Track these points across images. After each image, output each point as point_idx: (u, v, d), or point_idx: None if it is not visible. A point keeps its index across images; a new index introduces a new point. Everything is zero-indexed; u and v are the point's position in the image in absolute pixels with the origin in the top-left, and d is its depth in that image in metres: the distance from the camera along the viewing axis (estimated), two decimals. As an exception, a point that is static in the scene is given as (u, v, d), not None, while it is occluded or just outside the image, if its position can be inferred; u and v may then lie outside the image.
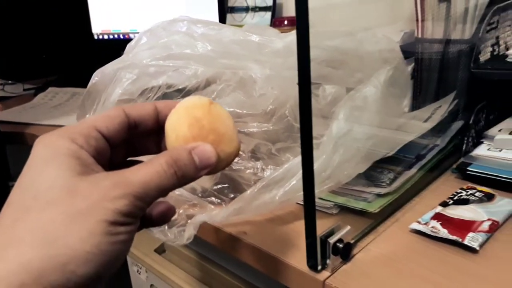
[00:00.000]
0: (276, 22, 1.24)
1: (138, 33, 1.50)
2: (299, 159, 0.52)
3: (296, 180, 0.51)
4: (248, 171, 0.56)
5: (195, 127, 0.33)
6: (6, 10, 1.46)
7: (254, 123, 0.52)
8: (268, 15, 1.30)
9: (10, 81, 1.44)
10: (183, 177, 0.31)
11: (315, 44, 0.49)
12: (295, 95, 0.53)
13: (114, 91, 0.49)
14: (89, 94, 0.53)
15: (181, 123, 0.33)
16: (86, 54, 1.58)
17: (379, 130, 0.55)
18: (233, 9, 1.37)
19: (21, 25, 1.50)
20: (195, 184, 0.58)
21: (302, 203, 0.46)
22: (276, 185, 0.51)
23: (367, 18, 1.00)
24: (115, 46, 1.60)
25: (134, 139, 0.36)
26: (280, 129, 0.53)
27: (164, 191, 0.31)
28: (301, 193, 0.49)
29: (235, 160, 0.56)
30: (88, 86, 0.53)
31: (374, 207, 0.55)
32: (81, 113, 0.52)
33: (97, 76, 0.53)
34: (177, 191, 0.56)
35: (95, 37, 1.55)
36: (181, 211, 0.55)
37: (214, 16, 1.37)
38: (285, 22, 1.22)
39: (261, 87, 0.51)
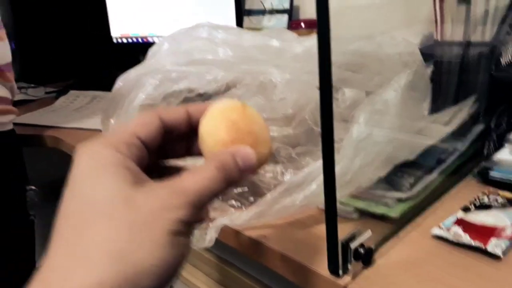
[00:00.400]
0: (293, 24, 1.25)
1: (156, 37, 1.52)
2: (319, 163, 0.52)
3: (317, 184, 0.51)
4: (268, 175, 0.56)
5: (232, 130, 0.33)
6: (28, 14, 1.49)
7: (274, 127, 0.52)
8: (285, 17, 1.30)
9: (32, 85, 1.46)
10: (230, 181, 0.31)
11: (334, 48, 0.49)
12: (315, 99, 0.54)
13: (138, 96, 0.50)
14: (112, 99, 0.53)
15: (218, 127, 0.33)
16: (105, 57, 1.60)
17: (399, 133, 0.55)
18: (250, 12, 1.38)
19: (43, 29, 1.53)
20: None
21: (323, 207, 0.46)
22: (297, 189, 0.51)
23: (384, 21, 0.99)
24: (134, 50, 1.62)
25: (165, 144, 0.36)
26: (300, 133, 0.53)
27: (215, 196, 0.31)
28: (322, 197, 0.49)
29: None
30: (112, 91, 0.54)
31: (395, 212, 0.55)
32: (105, 117, 0.53)
33: (121, 82, 0.54)
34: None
35: (114, 40, 1.58)
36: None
37: (231, 18, 1.38)
38: (302, 25, 1.22)
39: (281, 91, 0.51)
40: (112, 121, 0.52)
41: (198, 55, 0.52)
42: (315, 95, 0.54)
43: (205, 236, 0.52)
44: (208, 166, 0.31)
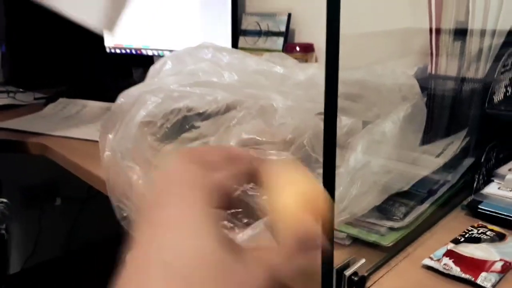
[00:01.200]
0: (288, 47, 1.26)
1: (150, 49, 1.52)
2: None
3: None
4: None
5: (305, 203, 0.32)
6: (21, 18, 1.48)
7: (273, 151, 0.52)
8: (280, 40, 1.32)
9: (21, 89, 1.44)
10: (308, 257, 0.29)
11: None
12: (314, 126, 0.54)
13: (138, 112, 0.50)
14: (112, 114, 0.53)
15: (292, 199, 0.32)
16: (97, 66, 1.59)
17: (395, 164, 0.55)
18: (246, 32, 1.39)
19: (35, 32, 1.52)
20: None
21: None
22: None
23: (380, 50, 1.02)
24: (127, 61, 1.62)
25: None
26: (298, 158, 0.53)
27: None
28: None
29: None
30: (113, 106, 0.54)
31: (387, 240, 0.56)
32: (104, 131, 0.53)
33: (123, 98, 0.54)
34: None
35: (107, 50, 1.57)
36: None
37: (227, 38, 1.39)
38: (297, 48, 1.24)
39: (281, 116, 0.52)
40: (110, 136, 0.51)
41: (203, 77, 0.53)
42: (315, 122, 0.54)
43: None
44: (290, 244, 0.27)
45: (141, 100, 0.51)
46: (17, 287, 1.80)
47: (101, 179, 0.80)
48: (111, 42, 1.57)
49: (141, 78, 0.64)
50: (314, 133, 0.53)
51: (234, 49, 0.59)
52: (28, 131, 1.07)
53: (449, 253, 0.55)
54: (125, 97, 0.53)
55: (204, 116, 0.57)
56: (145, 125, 0.54)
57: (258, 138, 0.52)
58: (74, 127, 1.09)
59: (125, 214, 0.51)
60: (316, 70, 0.55)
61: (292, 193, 0.31)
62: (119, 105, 0.53)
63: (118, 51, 1.57)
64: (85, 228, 1.92)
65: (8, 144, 1.04)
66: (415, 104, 0.56)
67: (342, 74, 0.50)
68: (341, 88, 0.55)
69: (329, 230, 0.46)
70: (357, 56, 1.05)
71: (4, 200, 0.93)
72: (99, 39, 1.56)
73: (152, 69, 0.58)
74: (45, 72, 1.53)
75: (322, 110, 0.49)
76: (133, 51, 1.56)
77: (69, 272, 1.88)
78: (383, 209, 0.61)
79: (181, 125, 0.58)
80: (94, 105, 1.27)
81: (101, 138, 0.53)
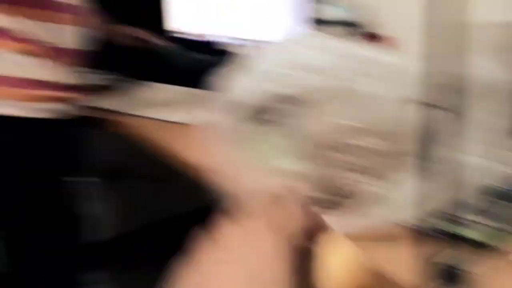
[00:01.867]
0: (366, 39, 1.24)
1: (214, 36, 1.50)
2: (405, 177, 0.52)
3: (401, 199, 0.51)
4: (362, 186, 0.56)
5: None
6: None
7: (374, 139, 0.52)
8: (357, 31, 1.29)
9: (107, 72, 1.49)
10: None
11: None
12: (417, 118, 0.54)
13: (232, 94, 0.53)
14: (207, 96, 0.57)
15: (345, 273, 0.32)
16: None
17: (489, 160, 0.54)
18: (321, 22, 1.37)
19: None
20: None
21: (405, 224, 0.45)
22: (376, 202, 0.51)
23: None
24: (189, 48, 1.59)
25: None
26: (393, 150, 0.53)
27: None
28: (405, 214, 0.49)
29: (347, 175, 0.56)
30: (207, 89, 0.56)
31: (490, 239, 0.54)
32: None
33: (218, 80, 0.57)
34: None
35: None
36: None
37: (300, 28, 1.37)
38: (376, 41, 1.21)
39: (381, 104, 0.52)
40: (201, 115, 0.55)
41: (313, 63, 0.54)
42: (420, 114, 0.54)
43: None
44: None
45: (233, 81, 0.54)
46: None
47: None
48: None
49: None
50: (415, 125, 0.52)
51: (341, 40, 0.60)
52: (119, 111, 1.11)
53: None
54: (221, 79, 0.56)
55: (291, 102, 0.57)
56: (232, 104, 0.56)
57: (355, 124, 0.52)
58: (164, 110, 1.13)
59: (216, 197, 0.53)
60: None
61: (341, 270, 0.30)
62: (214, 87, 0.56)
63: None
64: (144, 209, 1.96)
65: (101, 123, 1.08)
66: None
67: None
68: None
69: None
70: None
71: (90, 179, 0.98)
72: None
73: (249, 57, 0.60)
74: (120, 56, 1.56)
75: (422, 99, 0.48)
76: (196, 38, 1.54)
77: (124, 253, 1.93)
78: (486, 207, 0.59)
79: (271, 111, 0.58)
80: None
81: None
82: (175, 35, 1.55)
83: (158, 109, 1.15)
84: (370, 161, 0.53)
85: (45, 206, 0.95)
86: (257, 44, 0.58)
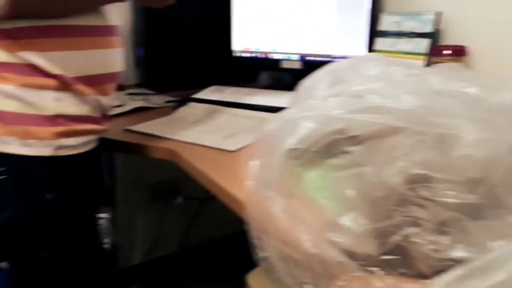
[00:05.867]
0: (436, 50, 1.11)
1: (278, 53, 1.46)
2: (508, 246, 0.40)
3: (507, 274, 0.39)
4: (430, 246, 0.45)
5: None
6: (158, 25, 1.52)
7: (450, 191, 0.41)
8: (424, 42, 1.16)
9: (152, 92, 1.49)
10: None
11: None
12: (511, 163, 0.41)
13: (290, 139, 0.42)
14: (262, 138, 0.47)
15: None
16: (226, 70, 1.59)
17: None
18: (384, 33, 1.26)
19: (169, 38, 1.56)
20: (358, 249, 0.49)
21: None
22: (478, 276, 0.39)
23: None
24: (254, 65, 1.59)
25: None
26: (483, 203, 0.41)
27: None
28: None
29: (415, 231, 0.46)
30: (264, 130, 0.47)
31: None
32: (250, 158, 0.46)
33: (276, 122, 0.47)
34: (337, 257, 0.47)
35: (236, 54, 1.55)
36: (340, 283, 0.45)
37: (363, 39, 1.28)
38: (447, 51, 1.08)
39: (466, 146, 0.40)
40: (257, 162, 0.45)
41: (375, 101, 0.43)
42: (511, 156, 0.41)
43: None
44: None
45: (294, 126, 0.43)
46: (137, 278, 1.89)
47: (223, 189, 0.76)
48: (239, 46, 1.55)
49: (266, 82, 0.57)
50: (510, 171, 0.40)
51: (407, 62, 0.48)
52: (158, 135, 1.07)
53: None
54: (278, 121, 0.46)
55: (357, 140, 0.47)
56: (295, 152, 0.47)
57: (430, 173, 0.41)
58: (202, 133, 1.08)
59: (261, 253, 0.44)
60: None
61: None
62: (270, 130, 0.46)
63: (245, 55, 1.55)
64: (203, 226, 1.95)
65: (137, 148, 1.05)
66: None
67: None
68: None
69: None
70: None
71: (105, 215, 0.93)
72: (227, 43, 1.55)
73: (304, 86, 0.50)
74: (176, 76, 1.56)
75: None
76: (260, 55, 1.52)
77: (184, 268, 1.92)
78: None
79: (329, 149, 0.49)
80: (222, 110, 1.25)
81: (244, 163, 0.46)
82: (242, 54, 1.53)
83: (200, 132, 1.08)
84: (453, 219, 0.42)
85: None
86: (328, 62, 0.50)
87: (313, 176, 0.49)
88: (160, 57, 1.56)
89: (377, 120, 0.41)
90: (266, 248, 0.44)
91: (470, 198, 0.40)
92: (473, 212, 0.42)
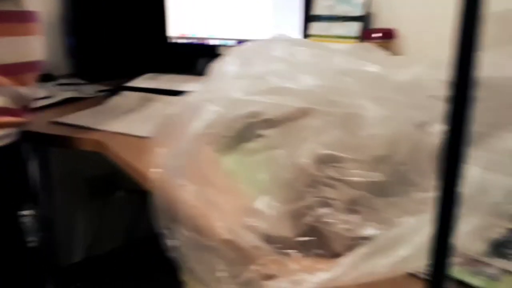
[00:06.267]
0: (367, 33, 1.12)
1: (215, 39, 1.44)
2: (414, 221, 0.41)
3: (410, 249, 0.39)
4: (342, 225, 0.45)
5: None
6: (87, 12, 1.46)
7: (357, 170, 0.41)
8: (356, 25, 1.18)
9: (85, 82, 1.42)
10: None
11: (442, 73, 0.38)
12: (414, 139, 0.42)
13: (194, 124, 0.41)
14: (166, 123, 0.44)
15: None
16: (160, 57, 1.54)
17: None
18: (318, 18, 1.27)
19: (100, 26, 1.49)
20: (274, 232, 0.48)
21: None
22: (383, 253, 0.40)
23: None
24: (191, 52, 1.55)
25: None
26: (389, 181, 0.41)
27: None
28: (414, 265, 0.38)
29: (327, 211, 0.46)
30: (167, 115, 0.45)
31: (505, 290, 0.43)
32: (155, 143, 0.44)
33: (178, 106, 0.45)
34: (253, 242, 0.46)
35: (171, 41, 1.51)
36: (256, 267, 0.45)
37: (298, 23, 1.28)
38: (377, 34, 1.10)
39: (371, 126, 0.40)
40: (163, 149, 0.43)
41: (274, 82, 0.42)
42: (414, 134, 0.42)
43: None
44: None
45: (198, 109, 0.42)
46: (79, 275, 1.83)
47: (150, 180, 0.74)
48: (174, 32, 1.51)
49: (205, 70, 0.56)
50: (414, 148, 0.41)
51: (313, 43, 0.47)
52: (85, 126, 1.02)
53: None
54: (182, 106, 0.44)
55: (271, 123, 0.47)
56: (205, 137, 0.45)
57: (338, 154, 0.41)
58: (133, 123, 1.04)
59: (172, 243, 0.42)
60: (421, 69, 0.43)
61: None
62: (173, 114, 0.44)
63: (181, 41, 1.51)
64: (146, 220, 1.91)
65: (63, 140, 1.00)
66: None
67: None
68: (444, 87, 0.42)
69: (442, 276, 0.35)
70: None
71: (29, 212, 0.88)
72: (163, 29, 1.50)
73: (213, 68, 0.49)
74: (109, 65, 1.50)
75: (427, 118, 0.37)
76: (198, 42, 1.49)
77: (129, 263, 1.88)
78: (498, 243, 0.47)
79: (244, 133, 0.48)
80: (156, 98, 1.21)
81: (151, 151, 0.44)
82: (179, 41, 1.48)
83: (130, 122, 1.04)
84: (361, 198, 0.42)
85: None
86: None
87: (228, 162, 0.48)
88: (92, 45, 1.49)
89: (276, 101, 0.41)
90: (176, 237, 0.43)
91: (376, 176, 0.41)
92: (380, 190, 0.42)
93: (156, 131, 0.45)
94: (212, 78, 0.48)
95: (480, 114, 0.46)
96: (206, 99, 0.42)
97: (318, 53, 0.45)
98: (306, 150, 0.42)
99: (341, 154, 0.40)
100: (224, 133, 0.46)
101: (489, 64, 0.52)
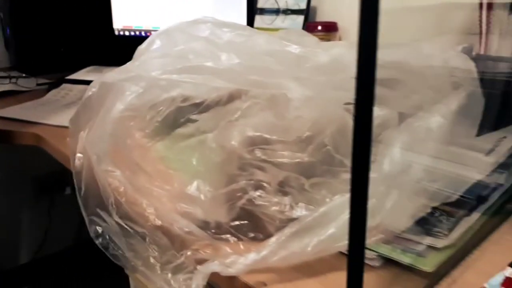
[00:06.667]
0: (310, 26, 1.14)
1: (160, 31, 1.42)
2: (339, 200, 0.42)
3: (336, 228, 0.41)
4: (274, 208, 0.45)
5: None
6: (25, 1, 1.39)
7: (285, 151, 0.41)
8: (300, 18, 1.20)
9: (24, 75, 1.36)
10: None
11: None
12: (339, 120, 0.43)
13: (115, 105, 0.40)
14: (84, 106, 0.43)
15: None
16: (105, 50, 1.50)
17: (442, 167, 0.44)
18: (263, 11, 1.27)
19: (40, 16, 1.43)
20: (208, 217, 0.48)
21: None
22: (310, 232, 0.41)
23: (412, 28, 0.89)
24: (136, 44, 1.52)
25: None
26: (316, 161, 0.42)
27: None
28: (341, 243, 0.39)
29: (258, 194, 0.46)
30: (84, 97, 0.44)
31: (429, 264, 0.45)
32: (75, 128, 0.43)
33: (96, 87, 0.44)
34: (186, 227, 0.46)
35: (116, 33, 1.47)
36: (189, 253, 0.45)
37: (242, 17, 1.28)
38: (319, 28, 1.12)
39: (296, 107, 0.41)
40: (83, 134, 0.42)
41: (194, 61, 0.42)
42: (340, 115, 0.43)
43: (190, 283, 0.42)
44: None
45: (118, 90, 0.41)
46: (26, 277, 1.76)
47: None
48: (120, 24, 1.47)
49: None
50: (339, 129, 0.42)
51: (239, 25, 0.47)
52: (24, 120, 0.98)
53: (508, 282, 0.43)
54: (98, 85, 0.43)
55: (202, 107, 0.47)
56: (130, 119, 0.44)
57: (266, 135, 0.41)
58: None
59: (100, 230, 0.41)
60: (342, 49, 0.44)
61: None
62: (91, 95, 0.43)
63: (127, 33, 1.48)
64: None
65: (1, 135, 0.96)
66: (472, 93, 0.44)
67: (380, 56, 0.38)
68: (377, 73, 0.44)
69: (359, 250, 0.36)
70: (386, 35, 0.93)
71: None
72: (107, 21, 1.46)
73: (138, 50, 0.48)
74: (50, 57, 1.44)
75: (350, 99, 0.38)
76: (143, 33, 1.46)
77: (80, 263, 1.83)
78: (423, 220, 0.50)
79: (174, 118, 0.47)
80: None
81: (71, 136, 0.43)
82: (123, 32, 1.45)
83: (64, 115, 1.01)
84: (291, 179, 0.43)
85: None
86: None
87: (160, 147, 0.47)
88: (32, 37, 1.42)
89: (195, 81, 0.40)
90: (104, 224, 0.42)
91: (303, 157, 0.41)
92: (309, 171, 0.43)
93: (76, 115, 0.44)
94: (136, 57, 0.48)
95: (405, 97, 0.48)
96: (124, 78, 0.42)
97: (242, 34, 0.46)
98: (235, 133, 0.42)
99: (270, 136, 0.41)
100: (151, 117, 0.46)
101: (420, 53, 0.54)
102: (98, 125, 0.41)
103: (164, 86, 0.41)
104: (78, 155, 0.42)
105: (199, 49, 0.43)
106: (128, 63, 0.48)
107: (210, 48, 0.42)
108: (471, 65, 0.50)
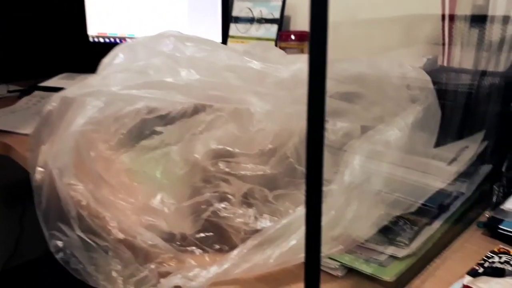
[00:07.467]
0: (283, 36, 1.15)
1: (135, 38, 1.41)
2: (301, 212, 0.42)
3: (297, 239, 0.41)
4: (238, 219, 0.46)
5: None
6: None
7: (249, 164, 0.42)
8: (274, 27, 1.21)
9: (-5, 82, 1.34)
10: None
11: (329, 73, 0.40)
12: (300, 133, 0.44)
13: (76, 119, 0.40)
14: (45, 120, 0.43)
15: None
16: (79, 57, 1.48)
17: (401, 177, 0.45)
18: (238, 19, 1.28)
19: (13, 22, 1.41)
20: (173, 230, 0.48)
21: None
22: (272, 244, 0.41)
23: (378, 40, 0.91)
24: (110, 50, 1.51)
25: None
26: (279, 173, 0.43)
27: None
28: (302, 255, 0.39)
29: (223, 206, 0.46)
30: (44, 112, 0.44)
31: (390, 274, 0.46)
32: (35, 142, 0.43)
33: (56, 102, 0.44)
34: (150, 240, 0.46)
35: (90, 39, 1.46)
36: (152, 266, 0.45)
37: (217, 25, 1.28)
38: (292, 37, 1.13)
39: (259, 120, 0.41)
40: (44, 148, 0.41)
41: (154, 76, 0.42)
42: (300, 128, 0.44)
43: (154, 296, 0.42)
44: None
45: (79, 105, 0.41)
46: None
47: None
48: (94, 30, 1.46)
49: None
50: (301, 141, 0.43)
51: (203, 39, 0.48)
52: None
53: (466, 290, 0.45)
54: (59, 100, 0.43)
55: (167, 119, 0.47)
56: (93, 132, 0.44)
57: (229, 148, 0.42)
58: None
59: (61, 245, 0.41)
60: (302, 65, 0.45)
61: None
62: (52, 110, 0.43)
63: (101, 40, 1.46)
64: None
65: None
66: (428, 106, 0.46)
67: (336, 69, 0.39)
68: (334, 86, 0.45)
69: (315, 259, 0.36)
70: (352, 47, 0.94)
71: None
72: (82, 27, 1.45)
73: (102, 63, 0.48)
74: (22, 63, 1.42)
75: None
76: (118, 40, 1.45)
77: (52, 272, 1.79)
78: (387, 230, 0.51)
79: (139, 130, 0.47)
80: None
81: (32, 150, 0.42)
82: (98, 39, 1.43)
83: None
84: (255, 191, 0.43)
85: None
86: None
87: (125, 159, 0.47)
88: (3, 43, 1.40)
89: (154, 96, 0.41)
90: (65, 238, 0.41)
91: (266, 169, 0.42)
92: (272, 183, 0.44)
93: (36, 130, 0.44)
94: (100, 71, 0.48)
95: (366, 110, 0.50)
96: (85, 93, 0.41)
97: (205, 48, 0.46)
98: (199, 146, 0.42)
99: (233, 149, 0.41)
100: (116, 129, 0.46)
101: (379, 67, 0.55)
102: (60, 138, 0.41)
103: (127, 99, 0.41)
104: (39, 169, 0.42)
105: (159, 65, 0.43)
106: (89, 78, 0.48)
107: (170, 64, 0.43)
108: (427, 78, 0.51)
